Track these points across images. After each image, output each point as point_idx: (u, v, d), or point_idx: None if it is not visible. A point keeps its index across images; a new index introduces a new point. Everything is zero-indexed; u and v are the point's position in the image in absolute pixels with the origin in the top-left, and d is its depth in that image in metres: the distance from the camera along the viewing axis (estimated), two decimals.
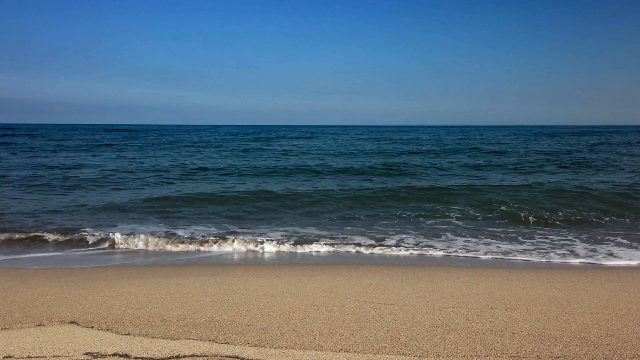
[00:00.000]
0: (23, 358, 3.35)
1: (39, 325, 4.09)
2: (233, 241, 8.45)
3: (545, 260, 7.40)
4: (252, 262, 7.45)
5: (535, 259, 7.53)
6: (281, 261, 7.52)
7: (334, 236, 8.94)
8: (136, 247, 8.38)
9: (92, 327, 4.03)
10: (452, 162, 24.40)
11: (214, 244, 8.41)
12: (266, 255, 7.92)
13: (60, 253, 7.98)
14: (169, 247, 8.37)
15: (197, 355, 3.39)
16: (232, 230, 9.47)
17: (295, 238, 8.76)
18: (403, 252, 8.00)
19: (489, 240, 8.72)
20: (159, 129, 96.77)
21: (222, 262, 7.39)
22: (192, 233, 9.15)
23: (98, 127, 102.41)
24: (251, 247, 8.30)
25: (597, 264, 7.18)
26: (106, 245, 8.43)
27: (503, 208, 11.54)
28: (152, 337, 3.77)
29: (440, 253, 7.89)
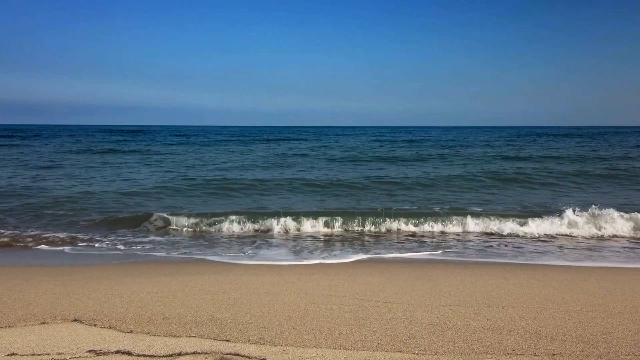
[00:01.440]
0: (27, 355, 3.39)
1: (43, 323, 4.14)
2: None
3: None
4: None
5: None
6: None
7: None
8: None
9: (95, 325, 4.08)
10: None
11: None
12: None
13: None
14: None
15: (199, 353, 3.43)
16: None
17: None
18: None
19: None
20: (162, 130, 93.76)
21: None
22: None
23: (96, 128, 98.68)
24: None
25: None
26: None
27: None
28: (154, 335, 3.82)
29: None
